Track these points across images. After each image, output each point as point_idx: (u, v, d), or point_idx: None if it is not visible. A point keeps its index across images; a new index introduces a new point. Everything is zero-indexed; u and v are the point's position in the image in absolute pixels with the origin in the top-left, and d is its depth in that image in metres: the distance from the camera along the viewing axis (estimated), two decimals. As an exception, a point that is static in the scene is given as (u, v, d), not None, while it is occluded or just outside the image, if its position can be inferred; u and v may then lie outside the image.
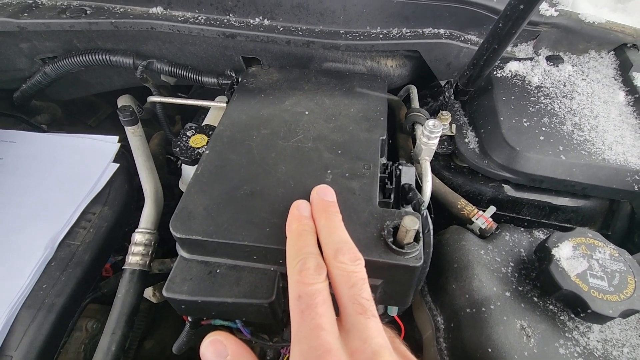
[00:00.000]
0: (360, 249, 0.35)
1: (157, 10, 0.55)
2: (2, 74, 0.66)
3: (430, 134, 0.44)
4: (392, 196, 0.42)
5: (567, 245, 0.38)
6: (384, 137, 0.46)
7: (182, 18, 0.55)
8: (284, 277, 0.38)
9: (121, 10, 0.55)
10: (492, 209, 0.47)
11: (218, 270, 0.38)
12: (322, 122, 0.48)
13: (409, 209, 0.43)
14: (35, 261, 0.51)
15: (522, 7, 0.36)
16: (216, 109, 0.73)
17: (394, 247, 0.34)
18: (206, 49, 0.61)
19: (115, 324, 0.49)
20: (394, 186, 0.42)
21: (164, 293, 0.37)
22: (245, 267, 0.38)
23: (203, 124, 0.70)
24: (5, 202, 0.57)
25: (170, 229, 0.37)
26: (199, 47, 0.60)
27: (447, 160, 0.53)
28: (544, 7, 0.54)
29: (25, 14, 0.53)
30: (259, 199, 0.39)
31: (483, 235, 0.45)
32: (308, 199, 0.39)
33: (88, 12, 0.54)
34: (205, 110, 0.72)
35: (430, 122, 0.44)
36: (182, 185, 0.66)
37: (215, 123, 0.69)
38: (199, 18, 0.55)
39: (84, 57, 0.61)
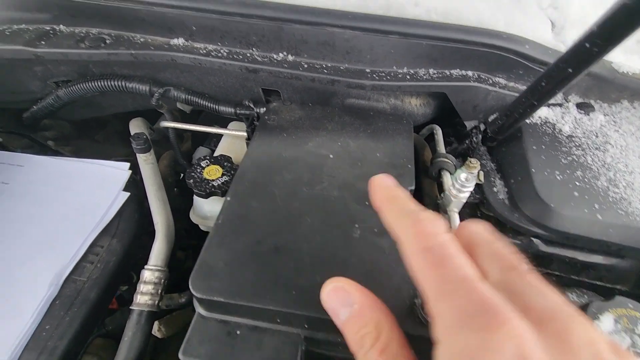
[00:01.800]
0: (392, 319, 0.33)
1: (179, 41, 0.54)
2: (13, 95, 0.64)
3: (462, 187, 0.42)
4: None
5: (608, 318, 0.36)
6: (413, 188, 0.44)
7: (204, 51, 0.53)
8: (307, 340, 0.36)
9: (141, 40, 0.54)
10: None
11: (238, 332, 0.36)
12: (347, 168, 0.46)
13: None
14: (39, 299, 0.49)
15: (570, 70, 0.35)
16: (229, 137, 0.71)
17: (428, 319, 0.32)
18: (226, 80, 0.59)
19: (121, 370, 0.46)
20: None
21: (180, 356, 0.34)
22: (267, 329, 0.36)
23: (216, 153, 0.69)
24: (10, 231, 0.55)
25: (190, 287, 0.35)
26: (219, 77, 0.59)
27: (473, 209, 0.51)
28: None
29: (43, 42, 0.51)
30: (284, 256, 0.37)
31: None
32: (333, 257, 0.37)
33: (107, 41, 0.52)
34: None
35: (463, 176, 0.42)
36: (194, 216, 0.64)
37: (228, 151, 0.67)
38: (222, 51, 0.53)
39: (99, 83, 0.60)
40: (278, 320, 0.35)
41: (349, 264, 0.37)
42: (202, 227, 0.66)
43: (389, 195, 0.27)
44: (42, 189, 0.60)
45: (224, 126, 0.74)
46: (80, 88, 0.60)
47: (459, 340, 0.19)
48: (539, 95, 0.39)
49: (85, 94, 0.61)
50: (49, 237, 0.55)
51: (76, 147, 0.95)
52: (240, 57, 0.53)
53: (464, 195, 0.43)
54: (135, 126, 0.70)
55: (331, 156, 0.48)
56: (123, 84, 0.60)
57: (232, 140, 0.70)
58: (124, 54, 0.51)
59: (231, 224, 0.40)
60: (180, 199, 0.80)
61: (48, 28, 0.53)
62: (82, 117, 0.76)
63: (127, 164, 0.65)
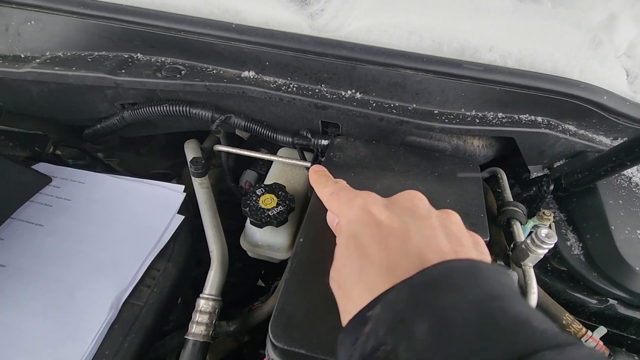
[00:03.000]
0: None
1: (250, 74, 0.55)
2: (80, 115, 0.67)
3: (542, 244, 0.41)
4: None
5: None
6: (488, 240, 0.43)
7: (274, 85, 0.54)
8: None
9: (214, 72, 0.55)
10: (603, 330, 0.42)
11: (314, 385, 0.35)
12: (419, 214, 0.45)
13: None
14: (100, 323, 0.49)
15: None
16: (280, 164, 0.71)
17: None
18: (288, 111, 0.60)
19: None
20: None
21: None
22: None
23: (267, 180, 0.69)
24: (72, 250, 0.56)
25: (270, 336, 0.34)
26: (282, 109, 0.59)
27: (543, 261, 0.49)
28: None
29: (123, 71, 0.53)
30: (362, 307, 0.36)
31: (592, 360, 0.41)
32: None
33: (182, 72, 0.54)
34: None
35: (544, 232, 0.41)
36: (244, 243, 0.64)
37: (279, 179, 0.68)
38: (291, 86, 0.54)
39: (164, 108, 0.61)
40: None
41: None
42: (250, 254, 0.66)
43: (318, 177, 0.43)
44: (102, 208, 0.62)
45: (272, 152, 0.75)
46: (146, 111, 0.62)
47: (342, 211, 0.37)
48: (633, 156, 0.38)
49: (149, 117, 0.63)
50: (109, 258, 0.56)
51: (121, 159, 0.97)
52: (309, 92, 0.53)
53: (543, 252, 0.42)
54: (191, 150, 0.71)
55: (401, 200, 0.47)
56: (187, 109, 0.61)
57: (283, 167, 0.71)
58: (199, 85, 0.52)
59: (306, 270, 0.39)
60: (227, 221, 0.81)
61: (127, 56, 0.55)
62: (137, 135, 0.78)
63: (182, 187, 0.66)
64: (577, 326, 0.42)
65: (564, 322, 0.43)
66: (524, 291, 0.42)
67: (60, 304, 0.51)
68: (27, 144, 0.69)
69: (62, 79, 0.52)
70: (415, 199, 0.37)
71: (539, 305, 0.44)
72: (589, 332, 0.42)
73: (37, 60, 0.55)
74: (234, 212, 0.72)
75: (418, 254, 0.28)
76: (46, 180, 0.64)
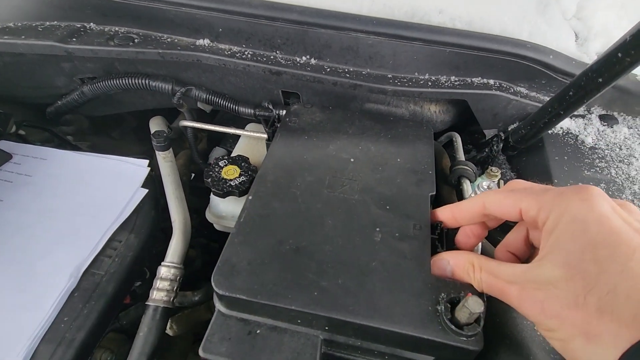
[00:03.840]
0: (414, 325, 0.33)
1: (204, 42, 0.55)
2: (39, 90, 0.66)
3: (484, 195, 0.42)
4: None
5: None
6: (433, 194, 0.44)
7: (229, 52, 0.54)
8: (327, 342, 0.36)
9: (168, 40, 0.55)
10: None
11: (258, 331, 0.36)
12: (368, 172, 0.46)
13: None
14: (59, 291, 0.49)
15: (600, 80, 0.35)
16: (247, 138, 0.72)
17: (452, 327, 0.32)
18: (247, 81, 0.60)
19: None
20: (445, 249, 0.40)
21: (201, 353, 0.35)
22: (287, 329, 0.36)
23: (234, 153, 0.69)
24: (33, 223, 0.56)
25: (213, 284, 0.35)
26: (240, 78, 0.59)
27: (492, 218, 0.51)
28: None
29: (74, 39, 0.52)
30: (306, 257, 0.37)
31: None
32: (355, 260, 0.37)
33: (136, 40, 0.54)
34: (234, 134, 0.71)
35: (485, 184, 0.42)
36: (209, 215, 0.64)
37: (245, 152, 0.68)
38: (246, 53, 0.54)
39: (123, 81, 0.61)
40: (298, 321, 0.35)
41: (371, 267, 0.37)
42: (217, 227, 0.67)
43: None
44: (63, 183, 0.61)
45: (241, 127, 0.75)
46: (105, 85, 0.62)
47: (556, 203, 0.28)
48: (566, 105, 0.39)
49: (109, 91, 0.63)
50: (70, 231, 0.56)
51: (93, 143, 0.96)
52: (264, 59, 0.53)
53: (486, 203, 0.43)
54: (155, 124, 0.71)
55: (352, 160, 0.48)
56: (147, 82, 0.61)
57: (250, 141, 0.71)
58: (152, 53, 0.52)
59: (253, 223, 0.40)
60: (192, 198, 0.81)
61: (79, 26, 0.54)
62: (103, 114, 0.77)
63: (146, 161, 0.66)
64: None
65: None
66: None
67: (21, 275, 0.51)
68: (-15, 123, 0.68)
69: (12, 48, 0.51)
70: None
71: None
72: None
73: (-13, 32, 0.54)
74: (202, 191, 0.72)
75: None
76: (6, 157, 0.63)
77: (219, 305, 0.37)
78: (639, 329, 0.22)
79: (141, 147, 1.00)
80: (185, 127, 0.74)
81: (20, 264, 0.52)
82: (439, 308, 0.33)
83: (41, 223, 0.56)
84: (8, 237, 0.54)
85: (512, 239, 0.35)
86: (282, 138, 0.50)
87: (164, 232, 0.65)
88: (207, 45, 0.55)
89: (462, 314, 0.32)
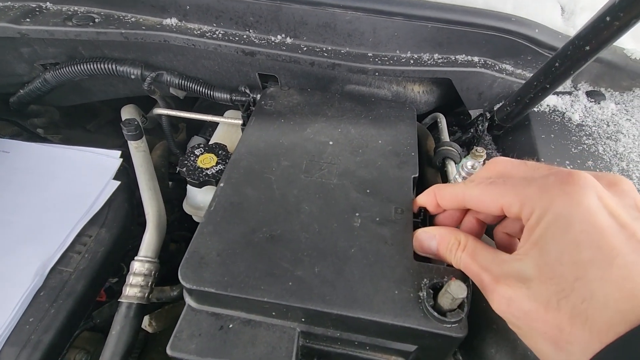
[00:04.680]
0: (395, 312, 0.31)
1: (172, 21, 0.51)
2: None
3: (468, 175, 0.40)
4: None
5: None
6: (416, 176, 0.42)
7: (199, 32, 0.50)
8: (304, 335, 0.34)
9: (132, 20, 0.51)
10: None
11: (230, 326, 0.34)
12: (348, 155, 0.44)
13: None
14: (23, 291, 0.46)
15: (587, 48, 0.32)
16: (225, 125, 0.68)
17: (435, 313, 0.30)
18: (221, 64, 0.57)
19: (108, 365, 0.44)
20: (428, 234, 0.38)
21: (168, 351, 0.32)
22: (262, 322, 0.34)
23: (211, 141, 0.66)
24: (-6, 220, 0.52)
25: (180, 277, 0.33)
26: (214, 61, 0.56)
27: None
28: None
29: (28, 20, 0.48)
30: (280, 245, 0.35)
31: (520, 288, 0.41)
32: (333, 247, 0.35)
33: (96, 20, 0.50)
34: (212, 122, 0.68)
35: (469, 163, 0.40)
36: (187, 207, 0.61)
37: (223, 140, 0.65)
38: (217, 32, 0.51)
39: (88, 66, 0.57)
40: (273, 314, 0.33)
41: (350, 254, 0.34)
42: (195, 218, 0.64)
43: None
44: (28, 177, 0.58)
45: (220, 115, 0.72)
46: (68, 71, 0.58)
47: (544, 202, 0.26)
48: (552, 77, 0.37)
49: (73, 78, 0.59)
50: (35, 227, 0.52)
51: (67, 136, 0.92)
52: (237, 38, 0.50)
53: (470, 184, 0.41)
54: (127, 113, 0.67)
55: (331, 143, 0.45)
56: (113, 67, 0.57)
57: (228, 128, 0.68)
58: (114, 34, 0.49)
59: (224, 212, 0.37)
60: (173, 190, 0.78)
61: (34, 5, 0.50)
62: (72, 103, 0.73)
63: (119, 152, 0.62)
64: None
65: (494, 254, 0.43)
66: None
67: (-19, 275, 0.47)
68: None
69: (-41, 31, 0.47)
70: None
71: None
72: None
73: None
74: (184, 183, 0.69)
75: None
76: (-36, 150, 0.59)
77: (188, 300, 0.35)
78: (612, 338, 0.21)
79: (118, 139, 0.96)
80: (160, 115, 0.70)
81: (-20, 263, 0.48)
82: (421, 294, 0.32)
83: (4, 220, 0.53)
84: (-33, 235, 0.51)
85: (509, 221, 0.33)
86: (257, 122, 0.48)
87: (142, 225, 0.62)
88: (174, 24, 0.51)
89: (444, 300, 0.30)
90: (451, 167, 0.47)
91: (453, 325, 0.30)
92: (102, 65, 0.57)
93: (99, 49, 0.57)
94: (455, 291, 0.29)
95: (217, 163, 0.56)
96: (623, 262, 0.22)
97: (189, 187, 0.61)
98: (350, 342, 0.34)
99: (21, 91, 0.64)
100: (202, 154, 0.57)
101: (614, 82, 0.53)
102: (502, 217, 0.33)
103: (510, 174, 0.30)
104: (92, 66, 0.57)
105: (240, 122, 0.63)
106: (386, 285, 0.32)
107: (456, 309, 0.30)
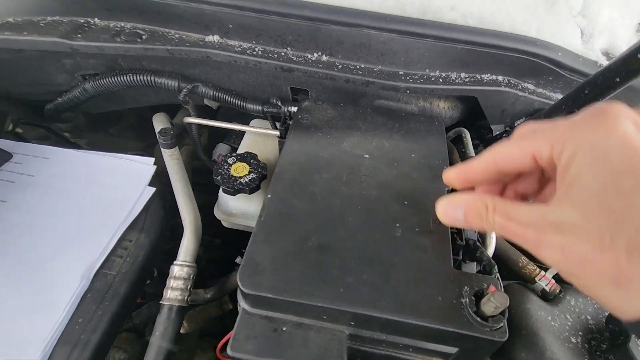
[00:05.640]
0: (439, 317, 0.33)
1: (214, 38, 0.54)
2: (38, 87, 0.64)
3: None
4: (461, 254, 0.41)
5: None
6: (449, 189, 0.45)
7: (239, 48, 0.53)
8: (352, 338, 0.37)
9: (176, 36, 0.54)
10: (554, 270, 0.45)
11: (284, 328, 0.36)
12: (384, 168, 0.47)
13: (473, 265, 0.42)
14: (71, 293, 0.49)
15: (617, 79, 0.35)
16: (252, 134, 0.71)
17: (478, 319, 0.33)
18: (256, 78, 0.59)
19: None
20: (464, 243, 0.41)
21: (229, 352, 0.35)
22: (312, 325, 0.36)
23: (240, 150, 0.69)
24: (39, 224, 0.55)
25: (238, 283, 0.35)
26: (249, 75, 0.59)
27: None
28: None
29: (79, 35, 0.51)
30: (329, 254, 0.37)
31: (546, 297, 0.44)
32: (377, 256, 0.37)
33: (143, 36, 0.52)
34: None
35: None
36: (218, 213, 0.64)
37: (252, 148, 0.68)
38: (257, 49, 0.53)
39: (128, 77, 0.60)
40: (324, 317, 0.36)
41: (394, 262, 0.37)
42: (225, 224, 0.66)
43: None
44: (68, 182, 0.60)
45: (243, 123, 0.74)
46: (108, 82, 0.60)
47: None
48: (580, 102, 0.40)
49: (113, 88, 0.61)
50: (78, 231, 0.55)
51: (91, 139, 0.94)
52: (275, 55, 0.53)
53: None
54: (160, 122, 0.70)
55: (367, 156, 0.48)
56: (152, 78, 0.60)
57: (255, 137, 0.70)
58: (161, 50, 0.51)
59: (274, 222, 0.40)
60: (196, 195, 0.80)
61: (82, 21, 0.53)
62: (103, 110, 0.76)
63: (152, 159, 0.65)
64: (531, 267, 0.45)
65: (520, 264, 0.46)
66: (483, 236, 0.44)
67: (31, 277, 0.50)
68: (-18, 122, 0.66)
69: (14, 44, 0.49)
70: None
71: (497, 249, 0.47)
72: (542, 272, 0.45)
73: (-14, 28, 0.53)
74: (209, 187, 0.71)
75: None
76: (6, 156, 0.62)
77: (243, 304, 0.38)
78: None
79: (140, 143, 0.98)
80: (190, 124, 0.73)
81: (29, 265, 0.51)
82: (464, 301, 0.34)
83: (48, 224, 0.55)
84: (15, 238, 0.53)
85: (523, 178, 0.32)
86: (296, 135, 0.50)
87: (172, 230, 0.65)
88: (216, 41, 0.54)
89: (487, 307, 0.33)
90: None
91: (495, 330, 0.33)
92: (141, 77, 0.60)
93: (138, 61, 0.60)
94: (500, 300, 0.32)
95: (250, 172, 0.58)
96: None
97: (220, 193, 0.64)
98: (395, 345, 0.37)
99: (59, 99, 0.66)
100: (234, 162, 0.60)
101: (630, 103, 0.56)
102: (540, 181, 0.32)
103: (539, 127, 0.29)
104: (131, 78, 0.60)
105: (268, 131, 0.66)
106: (430, 292, 0.35)
107: (498, 315, 0.33)
